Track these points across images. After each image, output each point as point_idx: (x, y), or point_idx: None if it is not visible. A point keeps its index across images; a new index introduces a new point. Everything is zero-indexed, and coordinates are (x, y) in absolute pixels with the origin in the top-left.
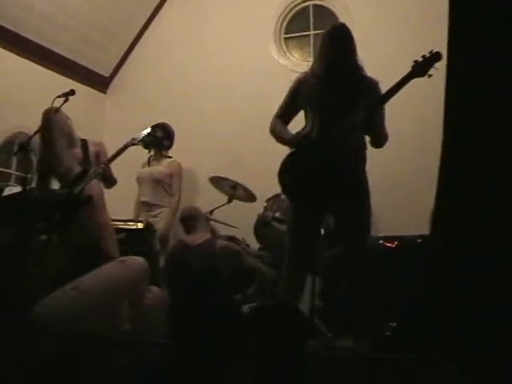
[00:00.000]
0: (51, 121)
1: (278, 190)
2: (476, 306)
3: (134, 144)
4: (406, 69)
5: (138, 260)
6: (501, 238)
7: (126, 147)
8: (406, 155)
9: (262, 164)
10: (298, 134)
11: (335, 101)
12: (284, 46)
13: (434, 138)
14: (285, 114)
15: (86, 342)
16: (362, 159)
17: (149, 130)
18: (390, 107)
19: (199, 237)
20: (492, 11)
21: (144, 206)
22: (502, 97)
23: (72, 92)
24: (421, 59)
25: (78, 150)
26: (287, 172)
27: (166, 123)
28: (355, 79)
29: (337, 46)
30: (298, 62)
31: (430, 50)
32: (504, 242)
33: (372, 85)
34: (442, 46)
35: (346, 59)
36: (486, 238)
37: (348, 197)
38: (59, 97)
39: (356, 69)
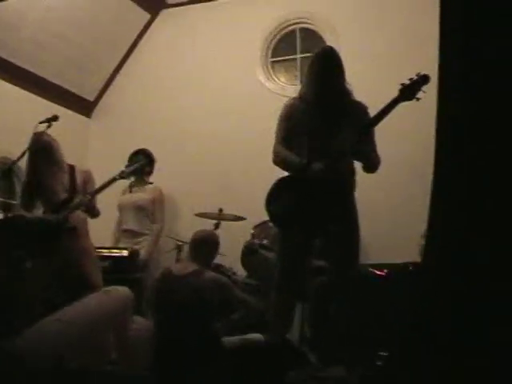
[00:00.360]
0: (40, 144)
1: (265, 215)
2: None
3: (122, 177)
4: (395, 91)
5: (123, 290)
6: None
7: (114, 180)
8: (396, 181)
9: (249, 188)
10: (318, 166)
11: (323, 127)
12: (271, 70)
13: (424, 162)
14: (285, 139)
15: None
16: (350, 185)
17: (136, 164)
18: (377, 131)
19: (187, 266)
20: (485, 4)
21: (126, 233)
22: (495, 91)
23: (55, 118)
24: (408, 82)
25: (65, 176)
26: (274, 201)
27: (146, 149)
28: (344, 104)
29: (325, 70)
30: (284, 86)
31: (418, 71)
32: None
33: (361, 110)
34: (430, 67)
35: (334, 84)
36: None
37: (337, 223)
38: (42, 122)
39: (344, 94)
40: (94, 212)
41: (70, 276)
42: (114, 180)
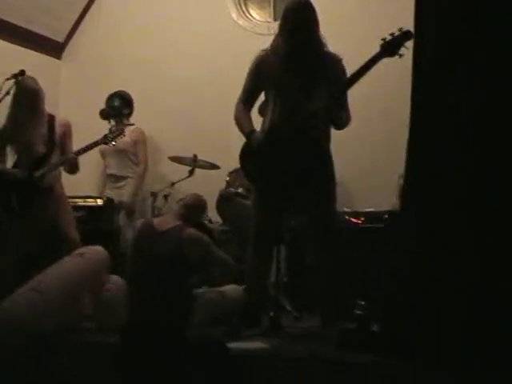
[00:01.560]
0: (26, 92)
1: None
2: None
3: (105, 142)
4: (373, 47)
5: (97, 250)
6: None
7: (96, 144)
8: (373, 126)
9: (223, 130)
10: (252, 134)
11: (297, 80)
12: (243, 7)
13: (401, 108)
14: (248, 97)
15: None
16: (325, 140)
17: (120, 129)
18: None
19: (169, 221)
20: None
21: (110, 178)
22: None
23: (22, 72)
24: (389, 37)
25: (44, 127)
26: (248, 158)
27: (123, 91)
28: (317, 57)
29: (299, 21)
30: (258, 24)
31: (398, 26)
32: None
33: (335, 61)
34: (409, 21)
35: (307, 36)
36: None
37: (312, 180)
38: (8, 79)
39: (318, 45)
40: (73, 169)
41: (45, 232)
42: (96, 144)
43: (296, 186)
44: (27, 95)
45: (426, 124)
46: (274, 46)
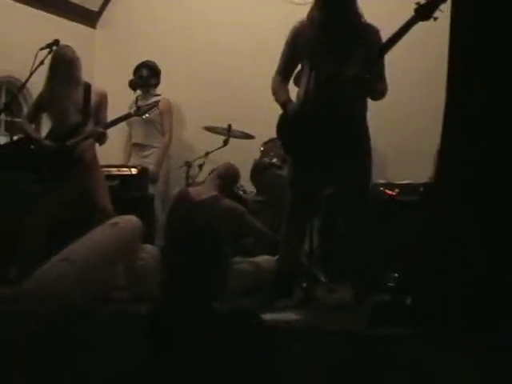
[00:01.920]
0: (63, 60)
1: (274, 131)
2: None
3: (137, 115)
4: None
5: (130, 220)
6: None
7: (129, 115)
8: (411, 94)
9: (258, 100)
10: (288, 104)
11: (332, 51)
12: None
13: (439, 86)
14: (284, 69)
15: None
16: (361, 109)
17: (153, 103)
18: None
19: (204, 191)
20: None
21: (135, 147)
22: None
23: (56, 42)
24: (424, 1)
25: (80, 95)
26: (285, 129)
27: (150, 61)
28: (354, 27)
29: None
30: None
31: None
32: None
33: (372, 32)
34: None
35: (344, 6)
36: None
37: (347, 149)
38: (42, 49)
39: (355, 16)
40: (102, 140)
41: (77, 200)
42: (129, 116)
43: (331, 156)
44: (64, 64)
45: (463, 95)
46: (310, 16)
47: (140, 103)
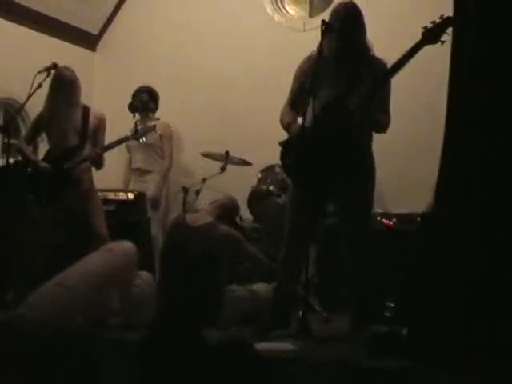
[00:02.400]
0: (64, 81)
1: (271, 159)
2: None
3: (135, 138)
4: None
5: (126, 246)
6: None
7: (126, 139)
8: (409, 124)
9: (256, 126)
10: (292, 126)
11: (341, 82)
12: (279, 2)
13: (436, 115)
14: (294, 101)
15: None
16: (367, 139)
17: (150, 127)
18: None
19: (201, 218)
20: None
21: (135, 172)
22: None
23: (54, 65)
24: (431, 25)
25: (78, 117)
26: (289, 154)
27: (149, 85)
28: (363, 61)
29: (347, 27)
30: (293, 19)
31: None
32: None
33: (380, 65)
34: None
35: (356, 40)
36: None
37: (352, 177)
38: (40, 72)
39: (365, 49)
40: (99, 164)
41: (73, 224)
42: (126, 139)
43: (334, 181)
44: (64, 84)
45: (463, 122)
46: (320, 47)
47: (139, 128)
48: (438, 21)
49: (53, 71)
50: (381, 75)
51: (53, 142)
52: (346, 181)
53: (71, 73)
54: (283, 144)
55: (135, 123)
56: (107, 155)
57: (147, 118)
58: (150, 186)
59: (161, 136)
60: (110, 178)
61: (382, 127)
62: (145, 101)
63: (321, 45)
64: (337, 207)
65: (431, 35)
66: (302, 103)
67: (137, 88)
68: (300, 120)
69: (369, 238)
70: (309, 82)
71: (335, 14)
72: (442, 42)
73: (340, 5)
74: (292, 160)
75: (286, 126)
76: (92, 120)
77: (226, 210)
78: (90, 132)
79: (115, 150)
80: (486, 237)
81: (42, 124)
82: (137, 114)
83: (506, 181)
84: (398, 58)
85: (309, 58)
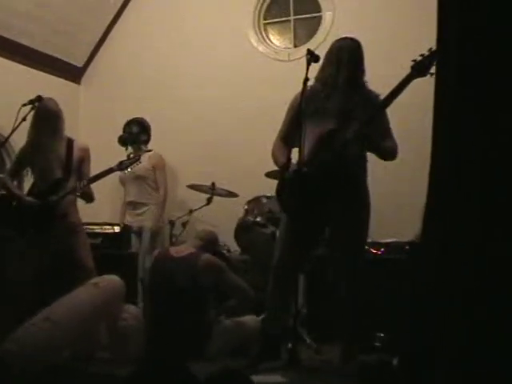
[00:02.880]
0: (48, 114)
1: (257, 190)
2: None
3: (120, 169)
4: (382, 57)
5: (113, 280)
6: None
7: (111, 171)
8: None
9: (241, 158)
10: (286, 166)
11: (337, 113)
12: (264, 33)
13: (422, 144)
14: (287, 134)
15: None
16: (362, 170)
17: (136, 157)
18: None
19: (184, 249)
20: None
21: (129, 205)
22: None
23: (39, 98)
24: (420, 58)
25: (63, 149)
26: (285, 189)
27: (140, 117)
28: (361, 91)
29: (350, 62)
30: (278, 50)
31: (415, 37)
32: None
33: (375, 97)
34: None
35: (355, 77)
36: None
37: (347, 208)
38: (25, 105)
39: (363, 87)
40: (88, 198)
41: (59, 257)
42: (111, 171)
43: (331, 215)
44: (47, 116)
45: (450, 145)
46: (318, 77)
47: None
48: (426, 53)
49: (37, 104)
50: (375, 107)
51: (37, 175)
52: (341, 215)
53: (54, 104)
54: (280, 179)
55: (128, 156)
56: (102, 189)
57: (139, 150)
58: (146, 219)
59: (153, 167)
60: (106, 212)
61: (391, 154)
62: (135, 133)
63: (306, 73)
64: (331, 240)
65: (420, 68)
66: (294, 138)
67: (127, 120)
68: (291, 157)
69: (362, 272)
70: (308, 113)
71: (342, 48)
72: (432, 75)
73: (345, 41)
74: (288, 194)
75: (281, 165)
76: (76, 152)
77: (206, 243)
78: (75, 164)
79: (108, 184)
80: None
81: (25, 158)
82: (129, 147)
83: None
84: (389, 91)
85: (304, 90)
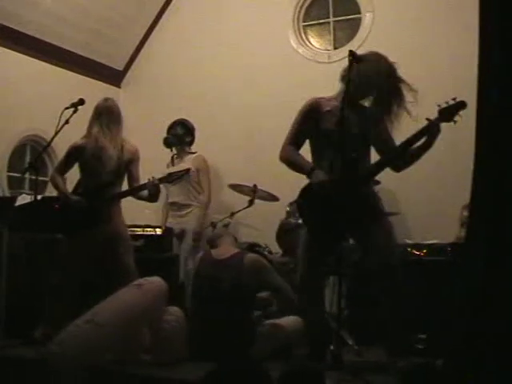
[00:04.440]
0: (111, 117)
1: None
2: None
3: (168, 181)
4: (423, 62)
5: (156, 282)
6: None
7: (160, 181)
8: (435, 156)
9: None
10: (319, 176)
11: (353, 132)
12: (303, 35)
13: (463, 136)
14: (298, 139)
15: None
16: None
17: (183, 171)
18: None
19: (226, 250)
20: None
21: (172, 206)
22: None
23: (81, 101)
24: (445, 105)
25: (116, 151)
26: (305, 207)
27: (184, 119)
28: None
29: (378, 78)
30: (317, 52)
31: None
32: None
33: (374, 112)
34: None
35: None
36: None
37: (367, 218)
38: (67, 108)
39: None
40: (155, 197)
41: (102, 259)
42: (161, 181)
43: (351, 227)
44: (112, 116)
45: (494, 153)
46: (338, 93)
47: (176, 161)
48: (450, 102)
49: (79, 107)
50: (396, 150)
51: (86, 175)
52: (362, 223)
53: (117, 105)
54: (303, 191)
55: (172, 157)
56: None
57: (183, 151)
58: (189, 220)
59: (197, 169)
60: (147, 212)
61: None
62: (180, 134)
63: (348, 74)
64: (361, 247)
65: (447, 114)
66: (304, 141)
67: (172, 122)
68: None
69: (397, 273)
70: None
71: (372, 66)
72: (455, 122)
73: (375, 56)
74: (307, 211)
75: (308, 171)
76: (126, 153)
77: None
78: (125, 165)
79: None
80: None
81: (76, 155)
82: (174, 149)
83: None
84: (412, 134)
85: (319, 100)
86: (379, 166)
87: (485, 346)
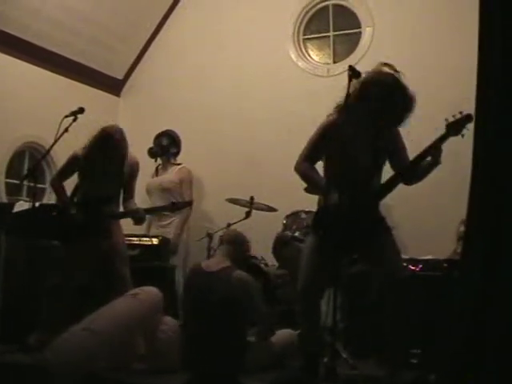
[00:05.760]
0: (118, 148)
1: (296, 205)
2: None
3: (172, 210)
4: (422, 74)
5: (151, 292)
6: None
7: (163, 209)
8: (434, 177)
9: (281, 173)
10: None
11: (365, 151)
12: (303, 49)
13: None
14: (314, 155)
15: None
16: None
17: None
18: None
19: (216, 263)
20: None
21: (154, 217)
22: None
23: (81, 110)
24: (452, 119)
25: (117, 166)
26: (320, 226)
27: (171, 130)
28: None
29: (392, 101)
30: (317, 65)
31: (456, 48)
32: None
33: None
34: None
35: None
36: None
37: (373, 235)
38: (67, 116)
39: None
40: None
41: (98, 268)
42: (162, 209)
43: (359, 242)
44: (112, 149)
45: (491, 167)
46: (351, 110)
47: (160, 172)
48: (458, 116)
49: (78, 115)
50: (406, 167)
51: (87, 184)
52: (371, 238)
53: (121, 136)
54: (320, 209)
55: (156, 168)
56: None
57: (168, 162)
58: (170, 231)
59: (180, 181)
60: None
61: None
62: (165, 145)
63: (348, 89)
64: (367, 261)
65: (454, 128)
66: (320, 158)
67: (158, 133)
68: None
69: (408, 285)
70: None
71: (382, 84)
72: (463, 135)
73: (387, 76)
74: (327, 226)
75: (325, 192)
76: (126, 167)
77: (236, 246)
78: (125, 180)
79: (136, 194)
80: None
81: (78, 164)
82: (159, 159)
83: None
84: (423, 149)
85: (335, 119)
86: (391, 184)
87: (484, 351)
